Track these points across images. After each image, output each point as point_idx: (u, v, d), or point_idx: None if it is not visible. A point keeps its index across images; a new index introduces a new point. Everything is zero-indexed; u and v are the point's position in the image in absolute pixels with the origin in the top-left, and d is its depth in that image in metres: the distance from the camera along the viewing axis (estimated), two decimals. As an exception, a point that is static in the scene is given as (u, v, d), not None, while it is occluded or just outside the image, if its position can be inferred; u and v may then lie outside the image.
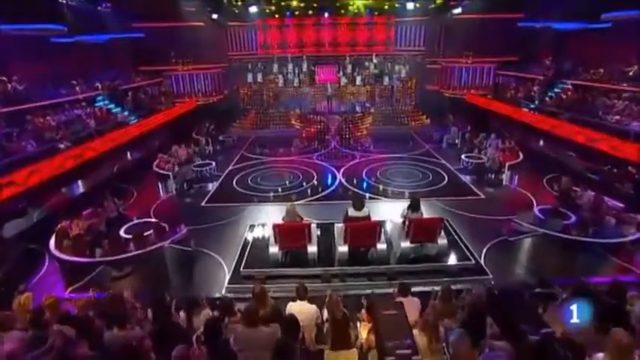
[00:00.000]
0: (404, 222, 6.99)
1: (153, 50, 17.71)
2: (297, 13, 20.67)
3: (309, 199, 10.52)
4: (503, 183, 11.24)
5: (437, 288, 6.06)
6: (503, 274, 6.76)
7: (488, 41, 18.31)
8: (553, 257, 6.96)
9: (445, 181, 11.60)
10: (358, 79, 21.29)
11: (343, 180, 11.87)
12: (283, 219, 7.04)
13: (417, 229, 6.63)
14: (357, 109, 19.37)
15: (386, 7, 20.42)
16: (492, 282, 6.48)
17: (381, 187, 11.27)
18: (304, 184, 11.67)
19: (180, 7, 17.05)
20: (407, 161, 13.83)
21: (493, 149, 12.48)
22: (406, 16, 20.77)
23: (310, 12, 20.69)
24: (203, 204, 10.47)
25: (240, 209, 9.84)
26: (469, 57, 18.75)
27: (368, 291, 5.73)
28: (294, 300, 4.78)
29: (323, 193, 10.88)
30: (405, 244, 6.81)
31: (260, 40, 21.55)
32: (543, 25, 16.35)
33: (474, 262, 6.88)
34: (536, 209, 8.06)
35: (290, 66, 21.88)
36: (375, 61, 21.86)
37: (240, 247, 7.51)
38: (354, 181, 11.79)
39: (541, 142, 14.17)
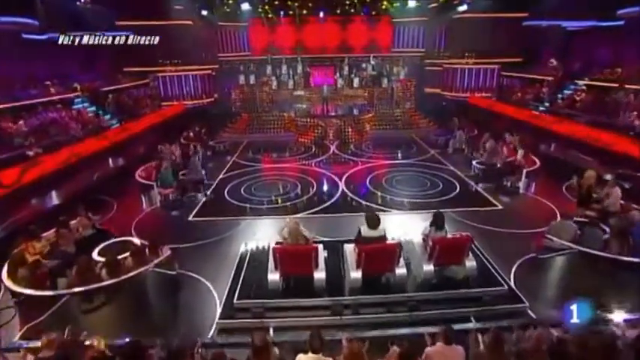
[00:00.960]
0: (424, 240, 6.05)
1: (138, 50, 16.59)
2: (291, 12, 19.81)
3: (310, 211, 9.48)
4: (520, 191, 10.36)
5: (470, 325, 5.15)
6: (540, 301, 5.80)
7: (492, 42, 17.64)
8: (597, 281, 5.98)
9: (457, 190, 10.65)
10: (355, 81, 20.38)
11: (346, 189, 10.87)
12: (284, 239, 6.01)
13: (442, 250, 5.65)
14: (355, 112, 18.46)
15: (384, 6, 19.69)
16: (530, 311, 5.56)
17: (388, 197, 10.27)
18: (303, 194, 10.63)
19: (167, 5, 16.07)
20: (413, 168, 12.88)
21: (495, 146, 11.61)
22: (405, 16, 20.08)
23: (305, 12, 19.84)
24: (190, 218, 9.32)
25: (234, 224, 8.76)
26: (470, 58, 18.04)
27: (390, 331, 4.73)
28: (304, 351, 3.77)
29: (324, 205, 9.86)
30: (428, 267, 5.82)
31: (252, 40, 20.58)
32: (550, 24, 15.68)
33: (506, 287, 5.92)
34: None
35: (284, 67, 20.89)
36: (372, 62, 20.98)
37: (234, 272, 6.43)
38: (358, 191, 10.79)
39: (554, 147, 13.34)
